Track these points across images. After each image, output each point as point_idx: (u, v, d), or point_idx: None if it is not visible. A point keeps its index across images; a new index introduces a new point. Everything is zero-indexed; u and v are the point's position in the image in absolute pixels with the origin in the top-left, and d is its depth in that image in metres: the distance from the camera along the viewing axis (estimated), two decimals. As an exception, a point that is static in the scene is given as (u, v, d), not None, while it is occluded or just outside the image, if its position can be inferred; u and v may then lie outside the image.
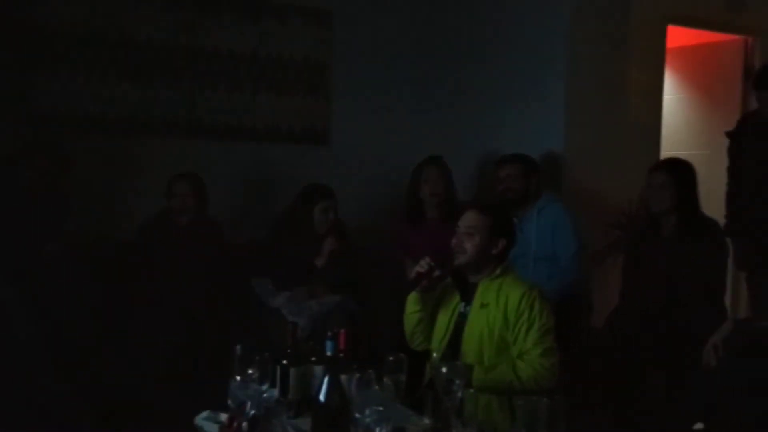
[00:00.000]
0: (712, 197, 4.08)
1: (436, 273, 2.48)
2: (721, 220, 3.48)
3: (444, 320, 2.52)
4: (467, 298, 2.50)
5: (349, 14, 4.23)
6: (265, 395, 2.04)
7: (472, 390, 1.93)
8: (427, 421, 1.97)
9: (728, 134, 3.62)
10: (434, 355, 2.10)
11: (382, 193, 4.18)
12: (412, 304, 2.55)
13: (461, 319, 2.48)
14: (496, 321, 2.39)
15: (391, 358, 1.97)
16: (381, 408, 1.66)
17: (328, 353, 1.84)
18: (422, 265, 2.46)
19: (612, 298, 3.33)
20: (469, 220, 2.48)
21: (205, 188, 3.54)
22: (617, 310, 3.23)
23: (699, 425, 2.55)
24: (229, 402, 1.97)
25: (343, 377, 1.91)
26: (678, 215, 3.08)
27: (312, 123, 4.25)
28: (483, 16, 4.20)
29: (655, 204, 3.14)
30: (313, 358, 2.18)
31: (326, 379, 1.79)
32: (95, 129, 3.73)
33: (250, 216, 3.85)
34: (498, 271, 2.46)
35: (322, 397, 1.82)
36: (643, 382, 2.89)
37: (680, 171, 3.13)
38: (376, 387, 1.75)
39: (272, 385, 2.14)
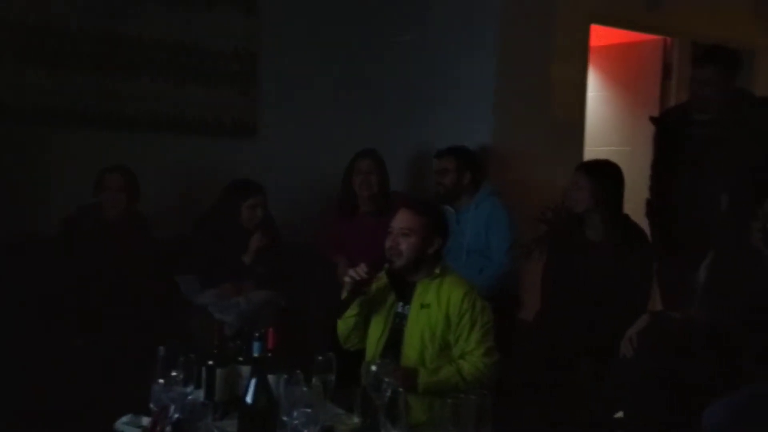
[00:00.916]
0: (635, 192, 4.23)
1: (375, 277, 2.43)
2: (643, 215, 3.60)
3: (380, 321, 2.48)
4: (405, 298, 2.46)
5: (277, 4, 4.15)
6: (189, 397, 1.98)
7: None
8: (356, 419, 1.96)
9: (653, 119, 3.72)
10: (378, 360, 2.08)
11: (312, 186, 4.14)
12: (350, 309, 2.47)
13: (399, 320, 2.45)
14: (438, 322, 2.37)
15: (320, 358, 1.94)
16: (309, 410, 1.64)
17: (256, 354, 1.80)
18: (360, 274, 2.38)
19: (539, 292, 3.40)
20: (404, 220, 2.43)
21: (137, 182, 3.42)
22: (542, 310, 3.28)
23: (619, 414, 2.64)
24: (152, 405, 1.90)
25: (271, 378, 1.88)
26: (601, 217, 3.09)
27: (240, 115, 4.16)
28: (414, 11, 4.20)
29: (572, 204, 3.15)
30: (240, 358, 2.13)
31: (253, 381, 1.76)
32: (10, 119, 3.53)
33: (177, 211, 3.73)
34: (437, 271, 2.44)
35: (249, 399, 1.78)
36: (570, 375, 2.96)
37: (600, 173, 3.11)
38: (305, 388, 1.72)
39: (197, 386, 2.09)
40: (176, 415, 1.88)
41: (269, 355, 1.95)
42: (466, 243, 3.44)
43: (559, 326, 3.06)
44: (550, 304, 3.26)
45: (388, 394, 1.89)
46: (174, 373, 1.96)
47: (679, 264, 3.16)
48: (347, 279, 2.41)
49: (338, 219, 3.69)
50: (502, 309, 3.14)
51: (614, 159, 3.45)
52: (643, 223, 3.55)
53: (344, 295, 2.44)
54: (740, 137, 3.13)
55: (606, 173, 3.13)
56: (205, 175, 3.88)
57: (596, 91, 4.87)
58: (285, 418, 1.69)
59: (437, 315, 2.37)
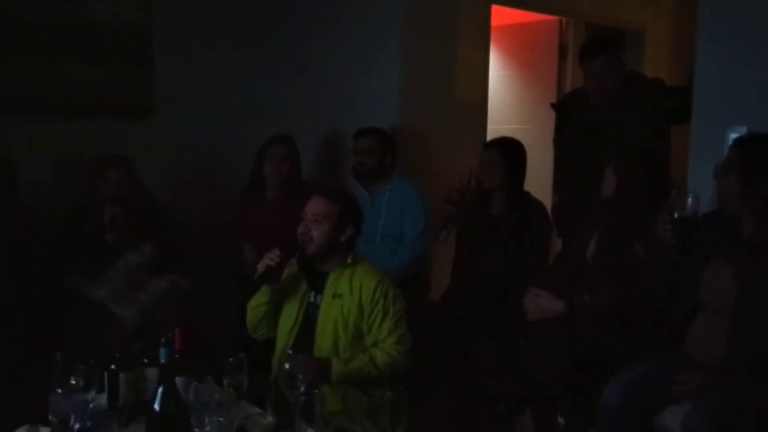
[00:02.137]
0: (535, 169, 4.35)
1: (288, 265, 2.40)
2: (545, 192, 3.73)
3: (292, 310, 2.45)
4: (317, 287, 2.44)
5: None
6: (91, 405, 1.89)
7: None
8: (270, 418, 1.92)
9: (553, 106, 3.84)
10: (289, 351, 2.04)
11: (212, 171, 4.01)
12: (260, 296, 2.44)
13: (311, 309, 2.43)
14: (351, 311, 2.36)
15: (231, 359, 1.89)
16: (222, 419, 1.59)
17: (162, 360, 1.72)
18: (272, 259, 2.34)
19: (447, 272, 3.45)
20: (316, 207, 2.40)
21: (17, 174, 3.18)
22: (450, 286, 3.34)
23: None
24: (51, 416, 1.80)
25: (180, 380, 1.81)
26: (506, 193, 3.21)
27: (134, 95, 3.93)
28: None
29: (485, 180, 3.25)
30: (146, 360, 2.04)
31: (161, 388, 1.68)
32: None
33: (69, 201, 3.50)
34: (350, 260, 2.42)
35: (156, 406, 1.71)
36: (477, 355, 3.03)
37: (510, 150, 3.24)
38: (217, 396, 1.66)
39: (100, 391, 2.00)
40: (77, 425, 1.79)
41: (177, 356, 1.87)
42: (381, 227, 3.43)
43: (464, 304, 3.13)
44: (456, 281, 3.34)
45: (303, 390, 1.87)
46: (73, 381, 1.86)
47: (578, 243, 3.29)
48: (260, 266, 2.37)
49: (246, 204, 3.59)
50: (411, 292, 3.19)
51: (515, 137, 3.54)
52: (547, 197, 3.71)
53: (255, 280, 2.40)
54: (636, 119, 3.27)
55: (515, 151, 3.27)
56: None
57: (497, 70, 4.94)
58: (197, 429, 1.63)
59: (350, 304, 2.37)
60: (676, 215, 2.21)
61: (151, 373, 2.00)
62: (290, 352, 2.05)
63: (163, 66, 3.95)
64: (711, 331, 2.22)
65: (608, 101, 3.33)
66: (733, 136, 2.35)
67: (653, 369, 2.28)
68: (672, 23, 5.16)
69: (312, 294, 2.45)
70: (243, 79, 4.13)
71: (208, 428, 1.62)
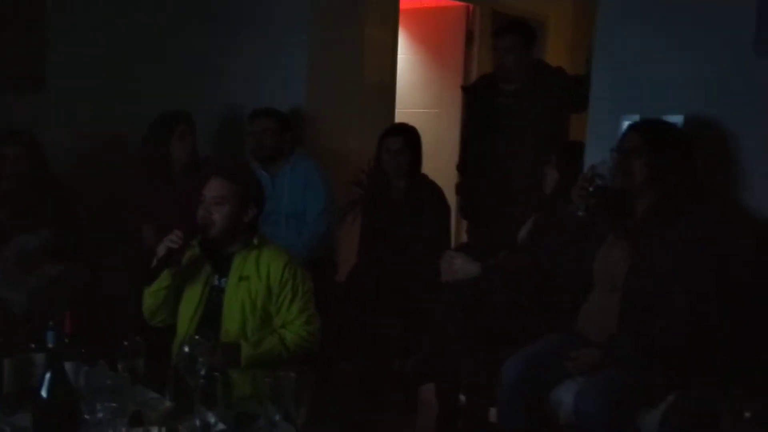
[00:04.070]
0: (442, 151, 4.43)
1: (188, 247, 2.32)
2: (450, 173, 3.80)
3: (194, 295, 2.36)
4: (221, 270, 2.37)
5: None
6: (-28, 394, 1.78)
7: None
8: (168, 403, 1.86)
9: (464, 89, 3.91)
10: (196, 337, 1.97)
11: (107, 146, 3.82)
12: (160, 281, 2.33)
13: (216, 293, 2.36)
14: (259, 293, 2.31)
15: (126, 343, 1.81)
16: (114, 404, 1.52)
17: (50, 345, 1.62)
18: (174, 241, 2.25)
19: (354, 254, 3.46)
20: (216, 189, 2.32)
21: None
22: (355, 267, 3.37)
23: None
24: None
25: (70, 366, 1.72)
26: (408, 178, 3.29)
27: (24, 65, 3.68)
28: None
29: (392, 168, 3.29)
30: (33, 345, 1.93)
31: (48, 374, 1.59)
32: None
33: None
34: (255, 242, 2.36)
35: (44, 393, 1.62)
36: (382, 334, 3.06)
37: (414, 137, 3.35)
38: (109, 381, 1.58)
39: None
40: (-44, 416, 1.68)
41: (67, 341, 1.77)
42: (284, 207, 3.39)
43: (368, 284, 3.16)
44: (361, 263, 3.37)
45: (202, 374, 1.81)
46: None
47: (487, 224, 3.40)
48: (161, 248, 2.28)
49: (143, 182, 3.44)
50: (319, 273, 3.17)
51: (423, 120, 3.62)
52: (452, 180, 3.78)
53: (154, 263, 2.30)
54: (540, 105, 3.38)
55: (417, 138, 3.37)
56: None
57: (404, 54, 4.95)
58: (87, 417, 1.55)
59: (257, 286, 2.32)
60: (600, 183, 2.29)
61: (39, 358, 1.89)
62: (197, 337, 1.97)
63: (56, 34, 3.72)
64: (602, 309, 2.32)
65: (515, 86, 3.44)
66: (626, 122, 2.45)
67: (548, 346, 2.36)
68: (572, 14, 5.34)
69: (216, 277, 2.38)
70: (142, 53, 3.96)
71: (100, 415, 1.55)
